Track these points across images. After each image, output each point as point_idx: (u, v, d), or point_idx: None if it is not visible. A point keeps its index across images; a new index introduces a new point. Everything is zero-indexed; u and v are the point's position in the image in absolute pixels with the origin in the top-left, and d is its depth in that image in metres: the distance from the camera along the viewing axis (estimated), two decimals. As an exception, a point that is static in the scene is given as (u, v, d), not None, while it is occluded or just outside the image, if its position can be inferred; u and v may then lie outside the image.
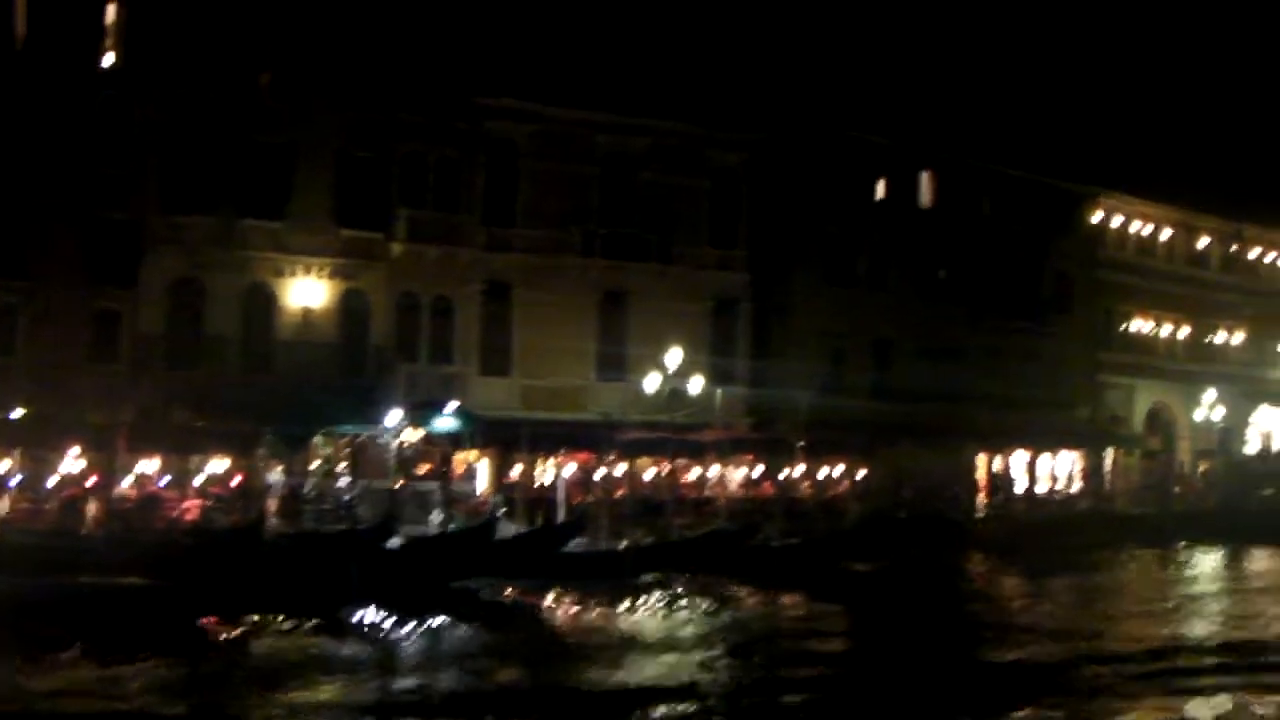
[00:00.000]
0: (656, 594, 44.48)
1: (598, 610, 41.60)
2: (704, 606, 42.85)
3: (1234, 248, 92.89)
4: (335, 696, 28.96)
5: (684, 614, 41.55)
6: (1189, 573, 58.58)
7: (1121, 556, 61.53)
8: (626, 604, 42.60)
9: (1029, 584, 52.27)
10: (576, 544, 48.83)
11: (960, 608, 45.80)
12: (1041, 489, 78.14)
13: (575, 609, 41.90)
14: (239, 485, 53.34)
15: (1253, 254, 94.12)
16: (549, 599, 42.89)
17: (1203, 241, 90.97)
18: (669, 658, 33.59)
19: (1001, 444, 74.87)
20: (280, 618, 36.29)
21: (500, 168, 62.69)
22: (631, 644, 35.80)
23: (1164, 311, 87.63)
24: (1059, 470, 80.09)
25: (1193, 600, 47.97)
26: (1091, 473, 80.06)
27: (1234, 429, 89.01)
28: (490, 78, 61.68)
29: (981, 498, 72.65)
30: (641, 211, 65.08)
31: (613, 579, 45.91)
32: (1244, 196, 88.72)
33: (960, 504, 68.28)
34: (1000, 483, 75.28)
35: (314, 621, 36.29)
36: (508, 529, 50.11)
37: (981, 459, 74.83)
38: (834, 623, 41.44)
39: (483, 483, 59.34)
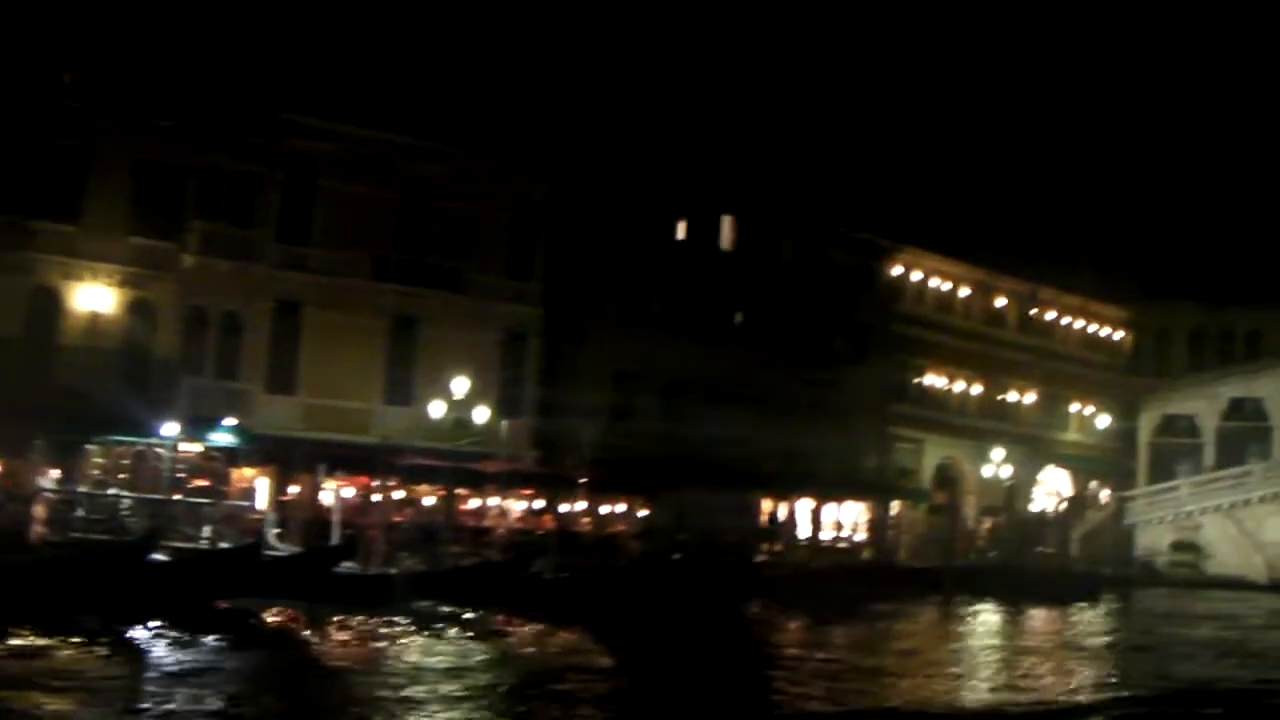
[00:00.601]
0: (423, 621, 44.36)
1: (360, 635, 41.57)
2: (468, 636, 42.93)
3: (1030, 310, 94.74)
4: (66, 713, 28.72)
5: (446, 644, 41.47)
6: (967, 628, 58.70)
7: (902, 609, 61.54)
8: (390, 630, 42.56)
9: (807, 632, 52.24)
10: (347, 567, 48.69)
11: (736, 653, 45.47)
12: (826, 537, 78.74)
13: (338, 633, 41.78)
14: (6, 489, 52.60)
15: (1048, 317, 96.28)
16: (313, 621, 42.71)
17: (1000, 301, 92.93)
18: (420, 689, 33.12)
19: (788, 490, 75.44)
20: (34, 627, 35.93)
21: (298, 185, 62.47)
22: (386, 671, 35.50)
23: (958, 368, 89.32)
24: (845, 520, 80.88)
25: (968, 657, 47.84)
26: (877, 524, 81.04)
27: (1021, 487, 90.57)
28: (293, 94, 61.44)
29: (765, 543, 72.99)
30: (438, 238, 65.01)
31: (382, 604, 45.76)
32: (1041, 260, 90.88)
33: (743, 548, 68.52)
34: (784, 529, 75.75)
35: (67, 633, 35.94)
36: (281, 548, 50.16)
37: (767, 504, 75.42)
38: (598, 660, 40.91)
39: (261, 501, 59.09)
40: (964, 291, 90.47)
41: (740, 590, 60.26)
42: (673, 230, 73.17)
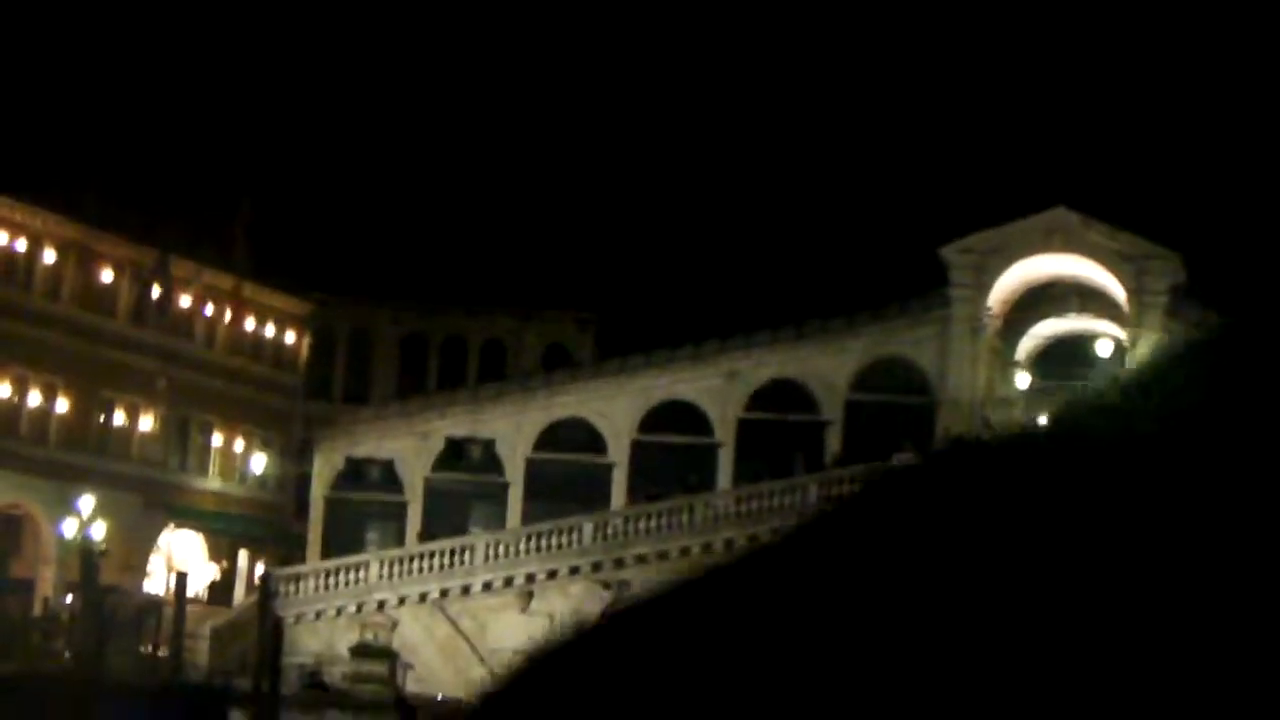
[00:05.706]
0: None
1: None
2: None
3: (156, 292, 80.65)
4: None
5: None
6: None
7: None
8: None
9: None
10: None
11: None
12: None
13: None
14: None
15: (184, 303, 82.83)
16: None
17: (108, 276, 79.24)
18: None
19: None
20: None
21: None
22: None
23: (34, 372, 75.55)
24: None
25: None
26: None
27: (127, 555, 77.20)
28: None
29: None
30: None
31: None
32: (179, 222, 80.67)
33: None
34: None
35: None
36: None
37: None
38: None
39: None
40: (50, 257, 76.42)
41: None
42: None
